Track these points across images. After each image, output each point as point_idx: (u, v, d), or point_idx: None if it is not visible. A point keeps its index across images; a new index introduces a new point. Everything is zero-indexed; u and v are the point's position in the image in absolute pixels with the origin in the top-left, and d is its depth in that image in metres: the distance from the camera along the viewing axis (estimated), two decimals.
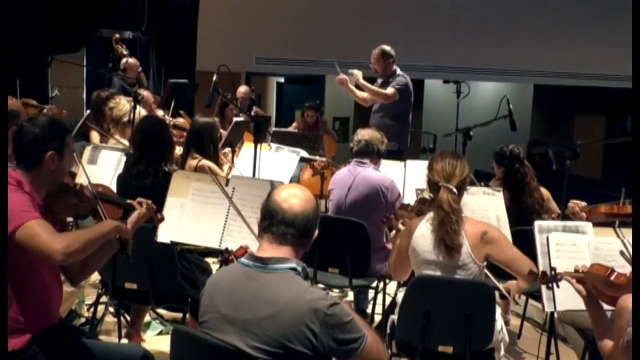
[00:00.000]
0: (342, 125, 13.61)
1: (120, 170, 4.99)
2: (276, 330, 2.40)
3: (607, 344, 2.89)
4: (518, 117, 6.09)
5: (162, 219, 3.51)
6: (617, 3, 11.37)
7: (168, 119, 6.88)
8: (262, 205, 2.62)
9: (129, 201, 3.33)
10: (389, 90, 6.84)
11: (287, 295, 2.42)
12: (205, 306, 2.57)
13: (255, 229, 3.71)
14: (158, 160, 4.61)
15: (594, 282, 2.98)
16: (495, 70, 11.82)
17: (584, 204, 4.39)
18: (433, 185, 3.62)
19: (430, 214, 3.61)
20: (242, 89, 8.90)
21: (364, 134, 5.15)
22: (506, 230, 4.34)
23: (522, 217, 5.08)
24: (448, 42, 11.20)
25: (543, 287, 3.53)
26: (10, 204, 2.79)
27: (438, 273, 3.55)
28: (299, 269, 2.50)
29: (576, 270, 3.08)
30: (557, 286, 3.24)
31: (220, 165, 5.37)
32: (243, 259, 2.57)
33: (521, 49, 11.53)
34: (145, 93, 7.09)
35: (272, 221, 2.54)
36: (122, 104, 5.94)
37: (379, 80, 7.11)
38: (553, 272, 3.23)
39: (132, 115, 5.72)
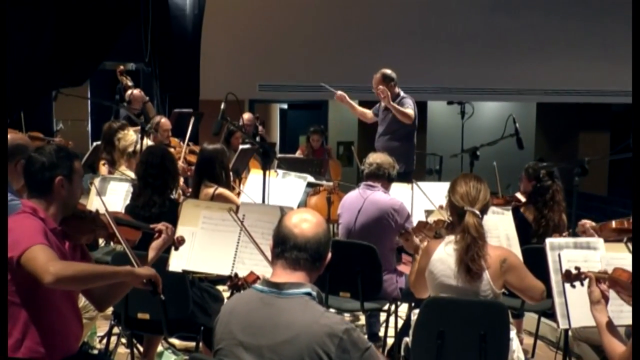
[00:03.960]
0: (346, 150, 13.64)
1: (129, 200, 5.01)
2: (293, 354, 2.40)
3: (617, 348, 2.89)
4: (522, 136, 6.12)
5: (183, 240, 3.53)
6: (616, 19, 11.43)
7: (184, 146, 6.92)
8: (273, 232, 2.62)
9: (151, 225, 3.37)
10: (409, 111, 6.87)
11: (303, 320, 2.43)
12: (220, 333, 2.57)
13: (267, 255, 3.74)
14: (162, 188, 4.63)
15: (617, 283, 3.01)
16: (498, 90, 11.85)
17: (593, 223, 4.39)
18: (457, 210, 3.59)
19: (450, 238, 3.61)
20: (246, 116, 8.94)
21: (375, 158, 5.16)
22: (516, 249, 4.34)
23: (546, 233, 5.09)
24: (450, 63, 11.24)
25: (557, 304, 3.53)
26: (21, 230, 2.84)
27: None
28: (314, 293, 2.51)
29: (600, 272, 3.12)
30: (582, 284, 3.23)
31: (233, 189, 5.42)
32: (257, 285, 2.58)
33: (523, 68, 11.57)
34: (163, 120, 7.12)
35: (284, 247, 2.54)
36: (129, 135, 6.00)
37: (383, 104, 7.14)
38: (577, 271, 3.23)
39: (139, 146, 5.75)
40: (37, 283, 2.81)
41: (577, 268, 3.26)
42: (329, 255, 2.61)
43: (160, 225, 3.36)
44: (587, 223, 4.39)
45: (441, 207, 4.91)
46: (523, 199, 5.37)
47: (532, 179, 5.36)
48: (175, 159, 4.97)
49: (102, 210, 3.24)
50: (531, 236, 5.18)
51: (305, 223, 2.57)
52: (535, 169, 5.36)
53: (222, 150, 5.38)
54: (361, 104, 7.14)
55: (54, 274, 2.70)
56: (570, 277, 3.28)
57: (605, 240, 3.83)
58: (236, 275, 3.14)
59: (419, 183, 5.44)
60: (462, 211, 3.54)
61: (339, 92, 7.13)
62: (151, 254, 3.31)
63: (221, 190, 5.15)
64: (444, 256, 3.58)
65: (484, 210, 3.60)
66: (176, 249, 3.54)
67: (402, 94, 7.02)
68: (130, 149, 5.88)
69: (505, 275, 3.55)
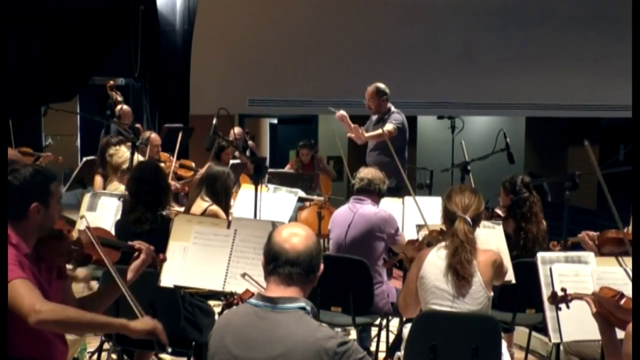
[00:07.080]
0: (336, 164, 13.64)
1: (119, 216, 4.99)
2: None
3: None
4: (512, 150, 6.13)
5: (164, 259, 3.47)
6: (606, 34, 11.51)
7: (173, 161, 6.90)
8: (264, 248, 2.62)
9: (129, 243, 3.26)
10: (388, 126, 6.85)
11: (298, 334, 2.43)
12: (214, 347, 2.56)
13: (258, 271, 3.74)
14: (155, 205, 4.60)
15: (604, 304, 3.01)
16: (488, 105, 11.89)
17: (593, 233, 4.39)
18: (449, 215, 3.67)
19: (441, 244, 3.66)
20: (237, 130, 8.92)
21: (367, 173, 5.17)
22: (507, 262, 4.35)
23: (526, 245, 5.11)
24: (440, 78, 11.27)
25: (548, 318, 3.54)
26: None
27: (446, 302, 3.57)
28: (308, 308, 2.51)
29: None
30: (567, 307, 3.27)
31: (230, 214, 5.37)
32: (252, 300, 2.58)
33: (512, 83, 11.62)
34: (153, 135, 7.11)
35: (276, 263, 2.54)
36: (121, 152, 5.95)
37: (373, 118, 7.15)
38: (563, 293, 3.25)
39: (131, 162, 5.73)
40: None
41: (562, 289, 3.28)
42: (322, 266, 2.62)
43: (139, 245, 3.23)
44: (587, 235, 4.38)
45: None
46: (502, 214, 5.37)
47: (509, 193, 5.37)
48: (167, 175, 4.94)
49: (84, 228, 3.13)
50: (511, 249, 5.16)
51: (296, 237, 2.57)
52: (512, 183, 5.36)
53: (228, 174, 5.34)
54: (352, 118, 7.13)
55: (38, 318, 2.66)
56: (556, 299, 3.31)
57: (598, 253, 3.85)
58: (231, 294, 3.12)
59: (410, 198, 5.45)
60: (454, 217, 3.61)
61: (341, 112, 7.08)
62: (129, 275, 3.18)
63: (214, 208, 5.09)
64: (436, 260, 3.62)
65: (476, 220, 3.66)
66: (155, 268, 3.49)
67: (392, 108, 7.03)
68: (125, 166, 5.83)
69: (496, 273, 3.68)
